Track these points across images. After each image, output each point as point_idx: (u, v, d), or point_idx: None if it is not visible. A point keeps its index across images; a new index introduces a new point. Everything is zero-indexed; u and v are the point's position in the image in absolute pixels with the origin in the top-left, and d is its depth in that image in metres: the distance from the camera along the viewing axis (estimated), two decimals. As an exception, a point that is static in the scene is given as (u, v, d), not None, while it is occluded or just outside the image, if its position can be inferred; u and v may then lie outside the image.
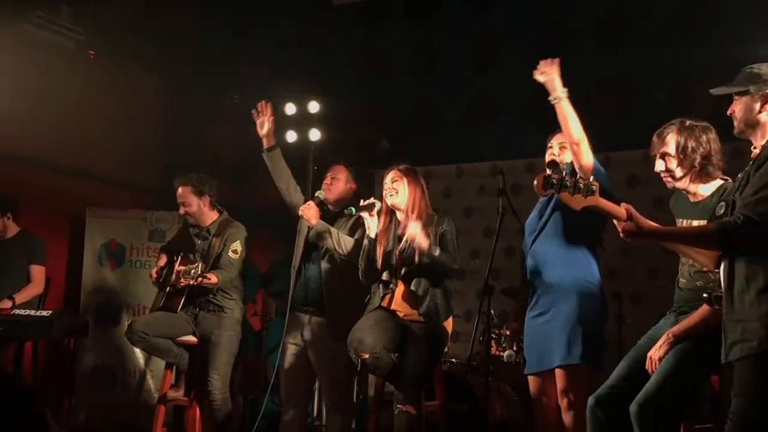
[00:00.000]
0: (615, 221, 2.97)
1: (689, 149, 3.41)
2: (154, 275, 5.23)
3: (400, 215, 4.48)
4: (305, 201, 4.83)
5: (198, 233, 5.20)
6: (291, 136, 7.20)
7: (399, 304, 4.35)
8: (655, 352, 3.31)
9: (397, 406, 4.20)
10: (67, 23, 6.92)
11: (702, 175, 3.44)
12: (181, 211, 5.18)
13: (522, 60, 6.53)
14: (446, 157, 7.31)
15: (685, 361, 3.24)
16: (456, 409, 4.90)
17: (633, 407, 3.20)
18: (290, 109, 7.19)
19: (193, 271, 4.82)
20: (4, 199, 5.80)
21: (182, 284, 4.92)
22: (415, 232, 4.24)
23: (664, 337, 3.33)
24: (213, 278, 4.91)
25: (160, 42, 7.00)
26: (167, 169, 6.91)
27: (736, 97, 3.02)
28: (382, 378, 4.45)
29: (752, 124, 2.97)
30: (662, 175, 3.52)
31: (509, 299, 5.64)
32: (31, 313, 5.34)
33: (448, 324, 4.48)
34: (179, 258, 5.11)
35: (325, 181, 4.94)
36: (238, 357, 5.18)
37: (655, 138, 3.54)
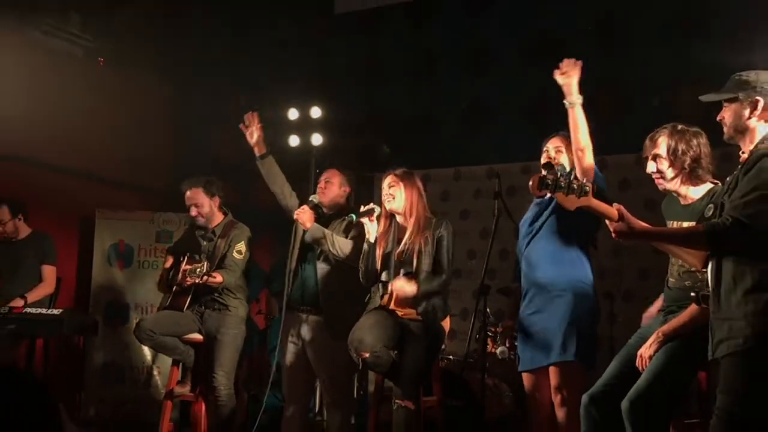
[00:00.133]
0: (607, 221, 2.98)
1: (680, 151, 3.43)
2: (160, 279, 5.23)
3: (399, 218, 4.49)
4: (300, 205, 4.85)
5: (203, 234, 5.21)
6: (294, 141, 7.21)
7: (397, 304, 4.36)
8: (645, 351, 3.32)
9: (396, 401, 4.20)
10: (76, 30, 6.94)
11: (692, 177, 3.45)
12: (193, 212, 5.16)
13: (517, 65, 6.60)
14: (444, 161, 7.32)
15: (674, 360, 3.25)
16: (453, 405, 4.91)
17: (624, 404, 3.21)
18: (293, 114, 7.21)
19: (198, 270, 4.83)
20: (15, 202, 5.80)
21: (188, 283, 4.93)
22: (401, 287, 4.23)
23: (654, 336, 3.34)
24: (218, 277, 4.92)
25: (168, 49, 7.01)
26: (174, 172, 6.92)
27: (725, 104, 3.03)
28: (381, 375, 4.46)
29: (741, 130, 2.97)
30: (654, 176, 3.53)
31: (505, 298, 5.65)
32: (42, 312, 5.34)
33: (446, 323, 4.48)
34: (185, 258, 5.12)
35: (319, 185, 4.93)
36: (243, 354, 5.19)
37: (647, 141, 3.55)
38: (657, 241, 3.25)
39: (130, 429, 6.48)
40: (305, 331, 4.77)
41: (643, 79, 6.01)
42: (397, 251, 4.41)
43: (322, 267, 4.75)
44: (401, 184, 4.45)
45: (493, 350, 5.43)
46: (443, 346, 4.76)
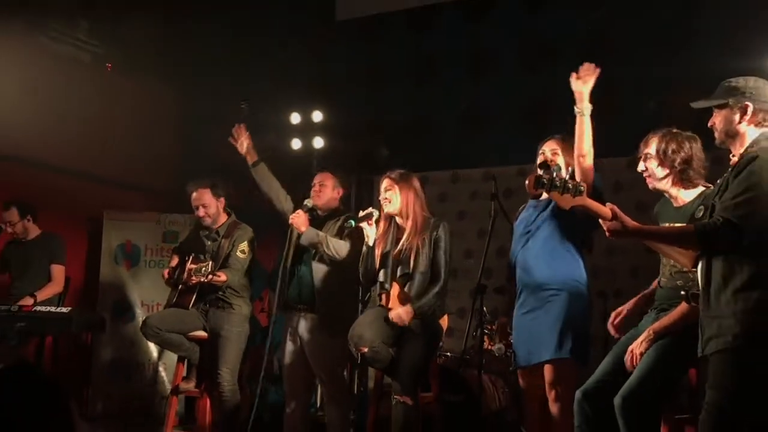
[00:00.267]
0: (601, 220, 2.98)
1: (669, 151, 3.43)
2: (166, 275, 5.25)
3: (398, 219, 4.49)
4: (295, 208, 4.86)
5: (208, 235, 5.22)
6: (296, 144, 7.23)
7: (395, 304, 4.36)
8: (636, 347, 3.32)
9: (395, 397, 4.21)
10: (83, 36, 6.95)
11: (682, 179, 3.45)
12: (201, 212, 5.16)
13: (514, 71, 6.61)
14: (442, 164, 7.32)
15: (664, 357, 3.25)
16: (450, 400, 4.91)
17: (617, 400, 3.21)
18: (295, 118, 7.24)
19: (203, 269, 4.84)
20: (24, 203, 5.82)
21: (193, 282, 4.93)
22: (398, 316, 4.23)
23: (645, 333, 3.34)
24: (222, 276, 4.93)
25: (173, 55, 7.02)
26: (180, 174, 6.92)
27: (715, 110, 3.04)
28: (381, 371, 4.47)
29: (732, 135, 2.98)
30: (644, 175, 3.54)
31: (501, 297, 5.65)
32: (51, 310, 5.34)
33: (444, 321, 4.49)
34: (190, 258, 5.12)
35: (313, 189, 4.94)
36: (246, 351, 5.19)
37: (642, 143, 3.56)
38: (649, 239, 3.25)
39: (136, 423, 6.48)
40: (302, 329, 4.79)
41: (636, 84, 6.01)
42: (395, 252, 4.41)
43: (317, 267, 4.77)
44: (397, 187, 4.45)
45: (490, 347, 5.43)
46: (441, 344, 4.76)
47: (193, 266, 4.96)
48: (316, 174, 5.03)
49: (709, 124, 3.07)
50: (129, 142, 7.07)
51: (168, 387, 6.31)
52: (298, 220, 4.72)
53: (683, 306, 3.26)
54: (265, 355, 4.72)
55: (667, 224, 3.51)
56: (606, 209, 2.96)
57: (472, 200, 7.15)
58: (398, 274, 4.36)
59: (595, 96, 3.69)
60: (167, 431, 5.08)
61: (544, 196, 3.99)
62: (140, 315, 6.74)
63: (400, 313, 4.22)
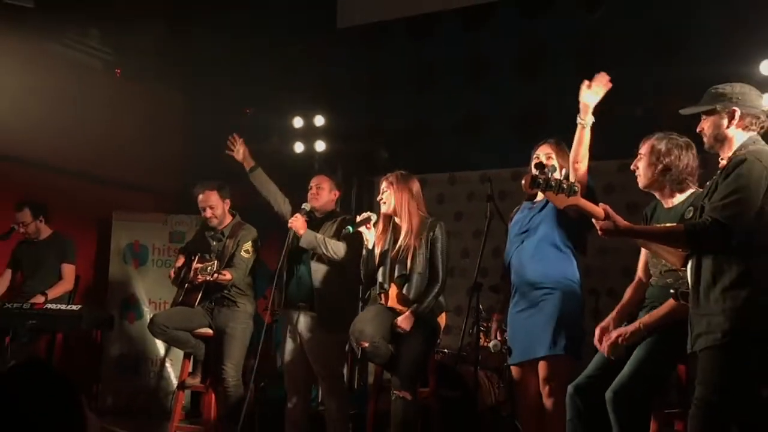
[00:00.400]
0: (594, 220, 2.98)
1: (656, 155, 3.43)
2: (172, 275, 5.25)
3: (396, 219, 4.49)
4: (293, 211, 4.87)
5: (213, 235, 5.22)
6: (298, 147, 7.24)
7: (393, 304, 4.36)
8: (622, 336, 3.30)
9: (394, 392, 4.21)
10: (95, 44, 6.96)
11: (672, 183, 3.45)
12: (208, 213, 5.15)
13: (510, 79, 6.61)
14: (440, 167, 7.32)
15: (655, 353, 3.24)
16: (448, 395, 4.91)
17: (608, 394, 3.20)
18: (298, 122, 7.24)
19: (209, 268, 4.84)
20: (36, 204, 5.81)
21: (199, 280, 4.93)
22: (400, 323, 4.23)
23: (634, 325, 3.32)
24: (227, 275, 4.93)
25: (180, 62, 7.03)
26: (186, 177, 6.93)
27: (704, 116, 3.04)
28: (380, 366, 4.47)
29: (721, 139, 2.99)
30: (636, 174, 3.55)
31: (496, 295, 5.64)
32: (61, 308, 5.34)
33: (441, 319, 4.49)
34: (196, 257, 5.12)
35: (310, 192, 4.93)
36: (250, 348, 5.19)
37: (641, 142, 3.56)
38: (640, 238, 3.26)
39: (144, 418, 6.48)
40: (302, 326, 4.79)
41: (626, 90, 6.01)
42: (393, 252, 4.41)
43: (316, 266, 4.77)
44: (393, 188, 4.45)
45: (486, 344, 5.43)
46: (439, 341, 4.76)
47: (199, 265, 4.96)
48: (313, 177, 5.04)
49: (697, 130, 3.08)
50: (137, 145, 7.08)
51: (174, 382, 6.32)
52: (297, 223, 4.73)
53: (671, 302, 3.25)
54: (258, 351, 4.72)
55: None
56: (599, 209, 2.96)
57: (468, 201, 7.15)
58: (396, 274, 4.36)
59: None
60: (174, 425, 5.08)
61: (539, 197, 4.00)
62: (148, 313, 6.74)
63: (401, 324, 4.22)
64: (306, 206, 4.85)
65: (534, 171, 3.82)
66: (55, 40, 6.64)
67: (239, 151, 5.08)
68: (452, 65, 6.95)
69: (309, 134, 7.24)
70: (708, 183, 3.01)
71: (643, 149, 3.49)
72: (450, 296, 5.21)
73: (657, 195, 3.53)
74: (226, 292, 5.04)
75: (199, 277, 4.90)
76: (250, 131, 5.15)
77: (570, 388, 3.42)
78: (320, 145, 7.17)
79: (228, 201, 5.22)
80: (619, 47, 6.07)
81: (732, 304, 2.74)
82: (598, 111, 3.69)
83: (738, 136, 2.97)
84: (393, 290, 4.37)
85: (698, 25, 5.64)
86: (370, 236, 4.45)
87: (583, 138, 3.66)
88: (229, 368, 4.96)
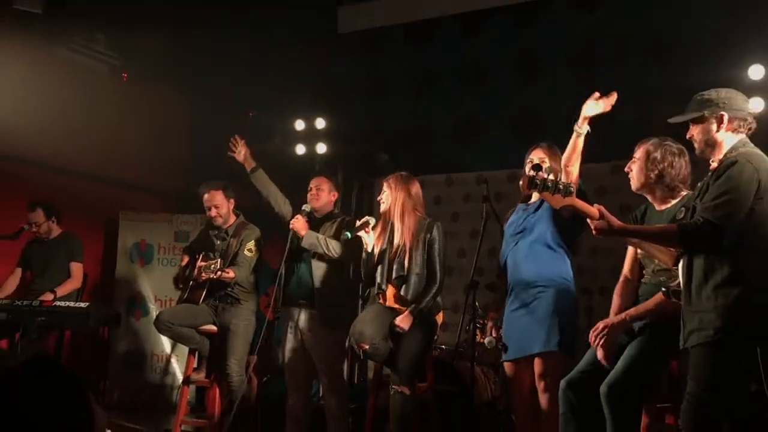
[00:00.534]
0: (588, 220, 2.98)
1: (651, 161, 3.43)
2: (177, 277, 5.23)
3: (392, 218, 4.48)
4: (293, 211, 4.88)
5: (217, 234, 5.21)
6: (300, 149, 7.24)
7: (391, 303, 4.35)
8: (609, 328, 3.29)
9: (393, 387, 4.21)
10: (101, 49, 6.96)
11: (665, 189, 3.45)
12: (213, 212, 5.15)
13: (505, 83, 6.62)
14: (437, 168, 7.33)
15: (648, 349, 3.24)
16: (445, 390, 4.91)
17: (603, 389, 3.20)
18: (299, 125, 7.24)
19: (213, 266, 4.84)
20: (50, 205, 5.81)
21: (203, 278, 4.93)
22: (399, 323, 4.22)
23: (621, 317, 3.32)
24: (230, 273, 4.92)
25: (185, 66, 7.03)
26: (191, 178, 6.93)
27: (692, 123, 3.05)
28: (380, 363, 4.46)
29: (711, 144, 2.99)
30: (630, 176, 3.55)
31: (492, 293, 5.65)
32: (70, 305, 5.33)
33: (439, 316, 4.50)
34: (200, 256, 5.12)
35: (310, 192, 4.93)
36: (253, 344, 5.19)
37: (636, 146, 3.56)
38: (633, 237, 3.26)
39: (150, 412, 6.47)
40: (302, 324, 4.78)
41: (619, 94, 6.02)
42: (391, 251, 4.40)
43: (316, 265, 4.77)
44: (389, 188, 4.45)
45: (482, 340, 5.43)
46: (436, 337, 4.76)
47: (203, 264, 4.95)
48: (313, 179, 5.03)
49: (687, 137, 3.08)
50: (143, 147, 7.08)
51: (180, 377, 6.31)
52: (298, 224, 4.72)
53: (659, 296, 3.25)
54: (256, 348, 4.72)
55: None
56: (594, 209, 2.96)
57: (465, 202, 7.16)
58: (394, 275, 4.35)
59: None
60: (179, 419, 5.07)
61: (534, 198, 4.01)
62: (154, 310, 6.74)
63: (400, 324, 4.21)
64: (306, 207, 4.85)
65: (531, 171, 3.82)
66: (63, 45, 6.63)
67: (241, 152, 5.07)
68: (450, 70, 6.96)
69: (310, 136, 7.25)
70: (699, 184, 3.01)
71: (638, 153, 3.48)
72: (447, 294, 5.22)
73: (649, 197, 3.53)
74: (229, 289, 5.04)
75: (203, 275, 4.90)
76: (253, 133, 5.14)
77: (562, 382, 3.42)
78: (321, 148, 7.17)
79: (232, 201, 5.22)
80: (611, 53, 6.08)
81: (723, 302, 2.74)
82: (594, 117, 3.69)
83: (728, 139, 2.97)
84: (390, 291, 4.36)
85: (689, 31, 5.65)
86: (369, 240, 4.45)
87: (577, 145, 3.67)
88: (232, 364, 4.96)
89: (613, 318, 3.34)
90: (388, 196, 4.44)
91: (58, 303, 5.36)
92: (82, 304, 5.35)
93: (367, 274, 4.47)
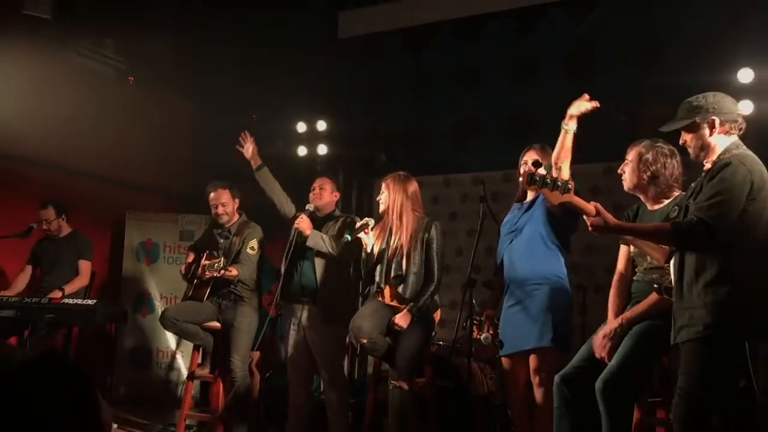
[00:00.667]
0: (585, 216, 2.98)
1: (643, 163, 3.43)
2: (183, 271, 5.24)
3: (389, 217, 4.47)
4: (296, 211, 4.87)
5: (221, 233, 5.21)
6: (301, 151, 7.24)
7: (390, 301, 4.35)
8: (608, 337, 3.29)
9: (392, 382, 4.20)
10: (109, 53, 6.96)
11: (658, 190, 3.44)
12: (219, 210, 5.13)
13: (501, 86, 6.62)
14: (435, 169, 7.32)
15: (641, 345, 3.24)
16: (442, 385, 4.90)
17: (598, 384, 3.20)
18: (301, 127, 7.24)
19: (216, 264, 4.83)
20: (61, 203, 5.81)
21: (207, 276, 4.92)
22: (397, 325, 4.21)
23: (617, 322, 3.33)
24: (234, 271, 4.91)
25: (190, 70, 7.03)
26: (195, 178, 6.93)
27: (684, 130, 3.05)
28: (379, 358, 4.46)
29: (705, 148, 3.00)
30: (622, 177, 3.54)
31: (488, 291, 5.64)
32: (78, 302, 5.32)
33: (436, 314, 4.50)
34: (205, 254, 5.12)
35: (313, 192, 4.92)
36: (256, 340, 5.18)
37: (629, 147, 3.56)
38: (628, 234, 3.27)
39: (155, 407, 6.47)
40: (304, 320, 4.78)
41: (611, 97, 6.03)
42: (390, 251, 4.39)
43: (319, 263, 4.77)
44: (387, 188, 4.44)
45: (478, 337, 5.42)
46: (434, 334, 4.76)
47: (207, 262, 4.95)
48: (316, 179, 5.03)
49: (680, 143, 3.08)
50: (149, 149, 7.07)
51: (185, 373, 6.31)
52: (303, 224, 4.71)
53: (652, 296, 3.25)
54: (256, 344, 4.71)
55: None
56: (590, 206, 2.96)
57: (462, 202, 7.16)
58: (392, 275, 4.34)
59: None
60: (184, 413, 5.06)
61: (529, 197, 4.01)
62: (159, 307, 6.73)
63: (398, 322, 4.21)
64: (310, 207, 4.85)
65: (531, 168, 3.82)
66: (71, 50, 6.63)
67: (248, 148, 5.04)
68: (448, 73, 6.96)
69: (312, 138, 7.25)
70: (693, 184, 3.02)
71: (630, 155, 3.48)
72: (445, 292, 5.22)
73: (641, 197, 3.53)
74: (233, 287, 5.03)
75: (207, 273, 4.89)
76: (256, 135, 5.12)
77: (556, 378, 3.43)
78: (322, 149, 7.17)
79: (237, 200, 5.21)
80: (604, 56, 6.08)
81: (713, 299, 2.75)
82: (584, 115, 3.70)
83: (721, 142, 2.97)
84: (388, 290, 4.36)
85: (680, 35, 5.65)
86: (369, 241, 4.44)
87: (565, 142, 3.67)
88: (236, 359, 4.95)
89: (610, 326, 3.33)
90: (387, 196, 4.43)
91: (66, 300, 5.35)
92: (90, 302, 5.35)
93: (367, 271, 4.47)
